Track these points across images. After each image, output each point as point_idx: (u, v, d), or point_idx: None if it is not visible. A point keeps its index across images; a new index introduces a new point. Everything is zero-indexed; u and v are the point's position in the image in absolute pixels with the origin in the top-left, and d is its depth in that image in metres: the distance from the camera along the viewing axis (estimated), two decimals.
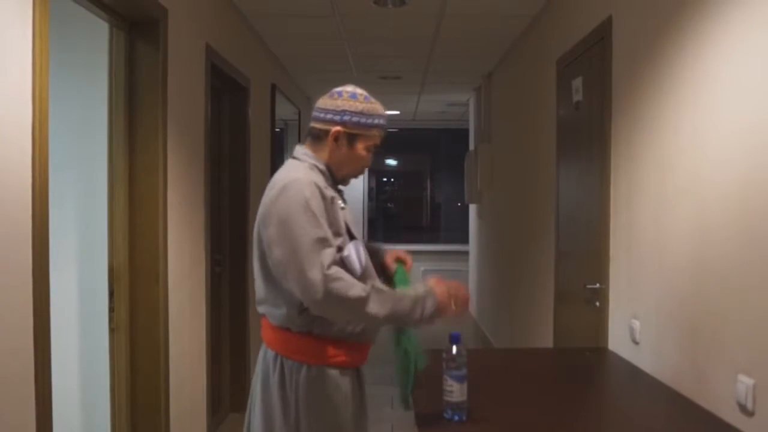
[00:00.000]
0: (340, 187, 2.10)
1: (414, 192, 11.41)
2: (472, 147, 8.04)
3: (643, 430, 2.01)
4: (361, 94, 2.01)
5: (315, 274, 1.79)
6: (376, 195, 10.33)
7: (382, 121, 2.02)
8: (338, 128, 1.98)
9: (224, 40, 4.04)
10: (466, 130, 8.87)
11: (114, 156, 2.87)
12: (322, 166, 2.01)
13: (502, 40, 5.30)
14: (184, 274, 3.33)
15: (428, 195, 11.34)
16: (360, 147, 2.01)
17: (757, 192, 1.84)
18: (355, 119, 1.98)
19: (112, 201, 2.87)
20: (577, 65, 3.53)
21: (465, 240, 8.72)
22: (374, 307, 1.84)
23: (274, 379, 1.97)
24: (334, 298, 1.81)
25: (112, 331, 2.86)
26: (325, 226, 1.87)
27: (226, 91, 4.48)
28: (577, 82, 3.48)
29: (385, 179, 10.73)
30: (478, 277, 7.73)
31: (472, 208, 8.31)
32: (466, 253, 8.62)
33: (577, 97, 3.48)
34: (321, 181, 1.96)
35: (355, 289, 1.82)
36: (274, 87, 5.62)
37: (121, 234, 2.87)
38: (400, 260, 2.22)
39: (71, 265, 2.94)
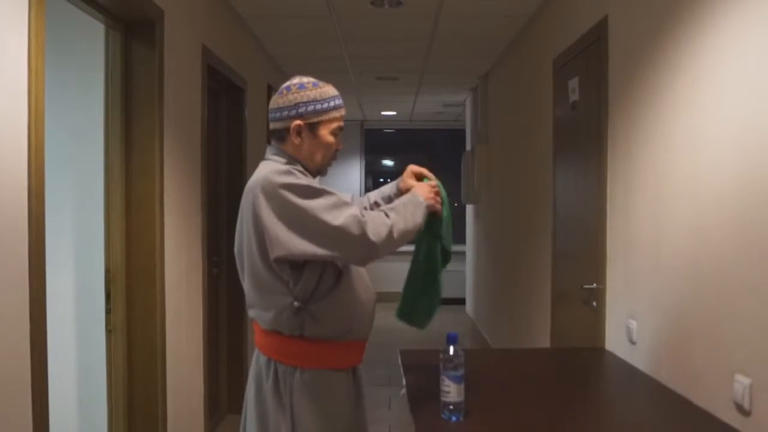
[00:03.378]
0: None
1: None
2: (468, 147, 8.05)
3: (640, 430, 2.01)
4: (308, 82, 1.98)
5: (354, 231, 1.82)
6: None
7: (337, 102, 2.01)
8: (297, 122, 1.95)
9: (221, 41, 4.04)
10: (463, 131, 8.87)
11: (110, 157, 2.87)
12: (295, 162, 1.98)
13: (498, 40, 5.31)
14: (182, 276, 3.32)
15: None
16: (324, 133, 1.99)
17: (754, 192, 1.84)
18: (310, 108, 1.95)
19: (109, 203, 2.86)
20: (573, 65, 3.53)
21: (462, 240, 8.71)
22: (401, 224, 1.91)
23: (268, 385, 1.94)
24: (384, 243, 1.86)
25: (108, 332, 2.85)
26: (328, 189, 1.89)
27: (222, 92, 4.48)
28: (574, 83, 3.48)
29: (381, 180, 10.72)
30: (475, 278, 7.74)
31: (469, 209, 8.31)
32: (463, 253, 8.62)
33: (574, 97, 3.48)
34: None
35: (383, 224, 1.87)
36: (270, 88, 5.61)
37: (117, 236, 2.87)
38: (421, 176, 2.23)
39: (68, 267, 2.94)
